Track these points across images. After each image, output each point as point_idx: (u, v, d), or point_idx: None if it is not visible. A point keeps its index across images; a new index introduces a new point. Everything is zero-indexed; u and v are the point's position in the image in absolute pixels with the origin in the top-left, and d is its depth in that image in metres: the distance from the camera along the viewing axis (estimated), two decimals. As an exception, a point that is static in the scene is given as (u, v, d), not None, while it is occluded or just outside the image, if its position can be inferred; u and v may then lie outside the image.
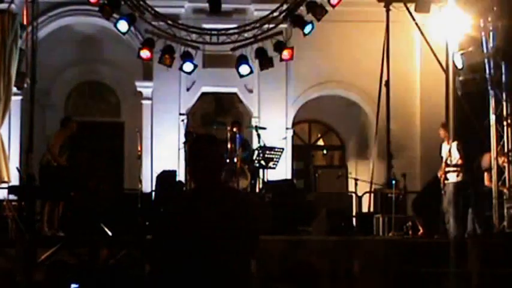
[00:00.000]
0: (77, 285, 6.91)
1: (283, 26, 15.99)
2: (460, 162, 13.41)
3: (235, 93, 19.28)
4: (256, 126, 16.32)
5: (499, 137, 13.91)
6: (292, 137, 19.58)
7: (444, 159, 13.53)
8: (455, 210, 13.34)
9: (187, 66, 15.55)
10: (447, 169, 13.47)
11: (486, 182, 13.79)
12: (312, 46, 18.04)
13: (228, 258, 4.57)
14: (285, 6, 15.82)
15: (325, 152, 22.39)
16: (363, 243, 12.18)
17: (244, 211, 4.66)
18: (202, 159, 4.73)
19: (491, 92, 13.98)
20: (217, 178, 4.74)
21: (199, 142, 4.91)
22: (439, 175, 13.61)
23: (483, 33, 13.92)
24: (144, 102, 19.05)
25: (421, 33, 17.84)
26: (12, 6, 15.36)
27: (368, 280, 11.43)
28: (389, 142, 16.56)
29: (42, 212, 13.26)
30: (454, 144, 13.49)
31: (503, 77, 13.85)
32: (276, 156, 15.16)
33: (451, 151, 13.45)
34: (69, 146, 13.69)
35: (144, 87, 19.06)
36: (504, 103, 13.90)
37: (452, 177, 13.49)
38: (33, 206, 13.31)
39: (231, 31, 16.02)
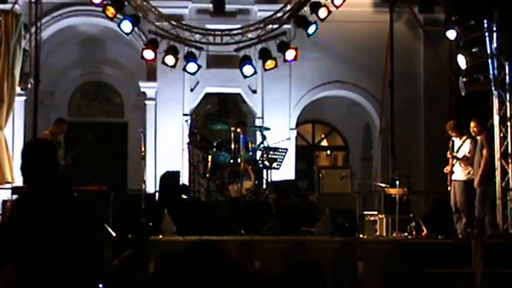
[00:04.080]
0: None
1: (286, 26, 15.99)
2: (469, 155, 13.25)
3: (239, 94, 19.27)
4: (260, 127, 16.31)
5: (503, 138, 13.90)
6: (296, 137, 19.54)
7: (453, 154, 13.32)
8: (469, 208, 13.20)
9: (191, 67, 15.57)
10: (454, 162, 13.29)
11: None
12: (315, 47, 18.05)
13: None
14: (288, 7, 15.83)
15: (328, 152, 22.38)
16: (366, 243, 12.16)
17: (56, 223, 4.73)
18: (28, 165, 4.74)
19: (495, 93, 13.98)
20: (43, 184, 4.73)
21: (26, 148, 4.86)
22: (446, 171, 13.44)
23: (487, 34, 13.92)
24: (147, 102, 19.02)
25: (425, 33, 17.85)
26: (16, 6, 15.37)
27: (372, 281, 11.43)
28: (393, 142, 16.54)
29: None
30: (468, 140, 13.31)
31: (507, 77, 13.85)
32: (280, 156, 15.14)
33: (463, 146, 13.25)
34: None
35: (148, 88, 19.02)
36: (508, 103, 13.90)
37: (461, 175, 13.37)
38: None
39: (235, 32, 16.03)
